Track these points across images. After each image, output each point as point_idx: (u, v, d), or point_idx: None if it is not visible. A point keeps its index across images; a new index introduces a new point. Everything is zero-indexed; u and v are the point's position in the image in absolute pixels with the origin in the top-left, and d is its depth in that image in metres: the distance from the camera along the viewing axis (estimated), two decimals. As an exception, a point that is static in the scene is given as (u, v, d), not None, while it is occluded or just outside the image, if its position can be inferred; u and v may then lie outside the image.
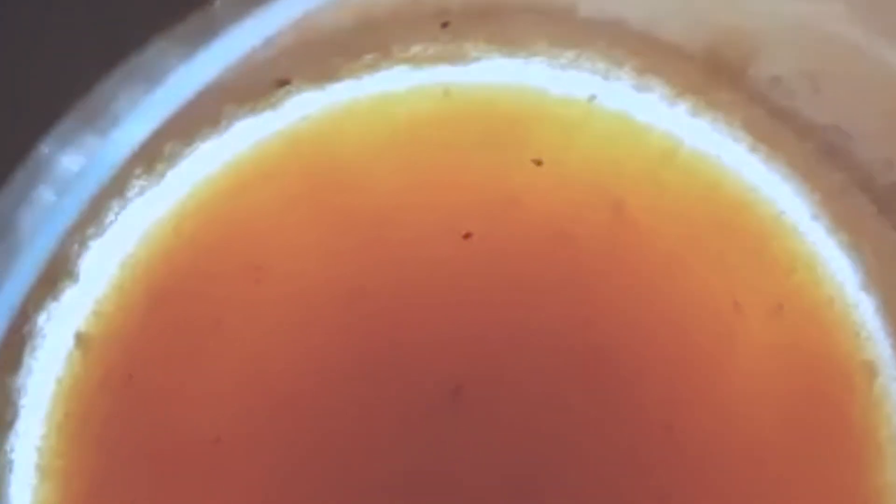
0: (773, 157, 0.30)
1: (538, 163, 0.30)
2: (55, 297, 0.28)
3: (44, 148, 0.23)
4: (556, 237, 0.30)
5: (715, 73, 0.29)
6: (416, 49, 0.30)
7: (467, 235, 0.29)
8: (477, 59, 0.30)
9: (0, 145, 0.23)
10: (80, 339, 0.28)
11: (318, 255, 0.29)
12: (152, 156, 0.28)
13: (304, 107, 0.29)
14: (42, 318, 0.28)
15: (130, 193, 0.28)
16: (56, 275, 0.28)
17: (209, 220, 0.29)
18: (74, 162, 0.22)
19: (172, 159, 0.29)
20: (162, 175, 0.29)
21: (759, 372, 0.29)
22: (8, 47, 0.32)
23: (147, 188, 0.29)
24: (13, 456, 0.28)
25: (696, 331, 0.30)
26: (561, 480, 0.29)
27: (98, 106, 0.23)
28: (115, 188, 0.28)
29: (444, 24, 0.29)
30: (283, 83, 0.29)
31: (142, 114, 0.22)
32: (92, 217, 0.28)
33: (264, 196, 0.29)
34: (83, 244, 0.28)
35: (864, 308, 0.30)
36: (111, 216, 0.28)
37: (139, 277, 0.29)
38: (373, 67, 0.29)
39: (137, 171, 0.28)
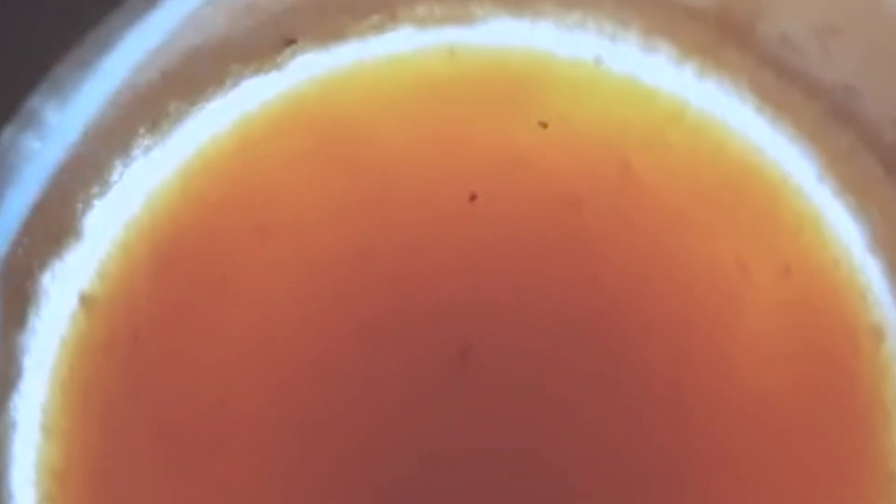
0: (779, 118, 0.30)
1: (544, 124, 0.30)
2: (59, 257, 0.28)
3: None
4: (562, 198, 0.30)
5: (723, 32, 0.29)
6: (422, 10, 0.29)
7: (473, 197, 0.29)
8: (483, 19, 0.30)
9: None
10: (85, 300, 0.28)
11: (324, 215, 0.29)
12: (157, 114, 0.28)
13: (309, 67, 0.29)
14: (47, 278, 0.28)
15: (135, 152, 0.28)
16: (60, 233, 0.28)
17: (215, 179, 0.29)
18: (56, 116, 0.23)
19: (177, 118, 0.28)
20: (167, 134, 0.28)
21: (765, 332, 0.29)
22: None
23: (152, 147, 0.28)
24: (17, 415, 0.28)
25: (702, 291, 0.29)
26: (568, 439, 0.29)
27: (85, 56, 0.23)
28: (118, 146, 0.28)
29: (451, -15, 0.29)
30: (288, 42, 0.29)
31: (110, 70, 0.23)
32: (96, 176, 0.28)
33: (270, 156, 0.29)
34: (87, 203, 0.28)
35: (870, 270, 0.30)
36: (115, 175, 0.28)
37: (144, 237, 0.29)
38: (379, 28, 0.29)
39: (142, 129, 0.28)
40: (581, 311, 0.29)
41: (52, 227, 0.28)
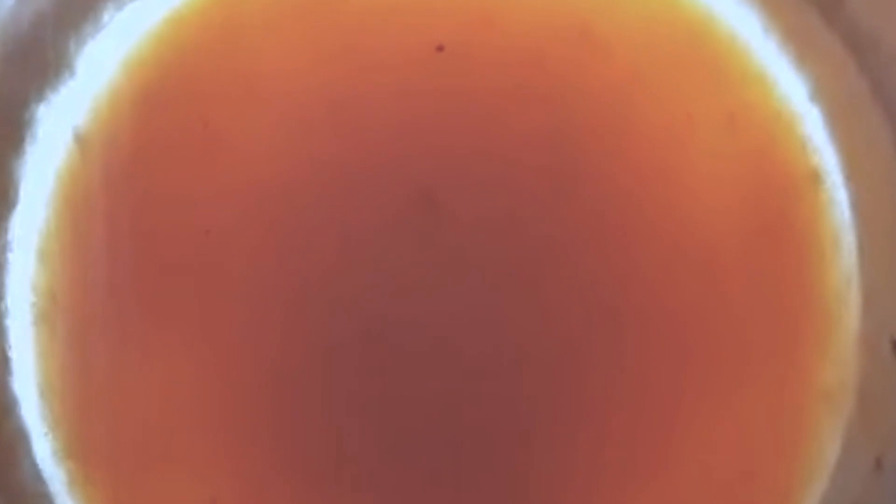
0: (728, -23, 0.32)
1: (509, -13, 0.32)
2: (54, 88, 0.30)
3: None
4: (526, 55, 0.32)
5: None
6: None
7: (440, 48, 0.31)
8: None
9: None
10: (78, 136, 0.31)
11: (300, 62, 0.31)
12: (147, -38, 0.30)
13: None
14: (42, 108, 0.30)
15: (126, -4, 0.31)
16: (54, 67, 0.30)
17: (203, 25, 0.31)
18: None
19: (167, -34, 0.31)
20: (157, -19, 0.31)
21: (710, 180, 0.31)
22: None
23: (142, -7, 0.31)
24: (14, 237, 0.30)
25: (652, 140, 0.31)
26: (524, 283, 0.31)
27: None
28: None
29: None
30: None
31: None
32: (89, 15, 0.30)
33: (252, 7, 0.31)
34: (80, 41, 0.30)
35: (810, 119, 0.31)
36: (107, 16, 0.30)
37: (134, 78, 0.31)
38: None
39: (133, -24, 0.30)
40: (541, 160, 0.31)
41: (46, 61, 0.30)
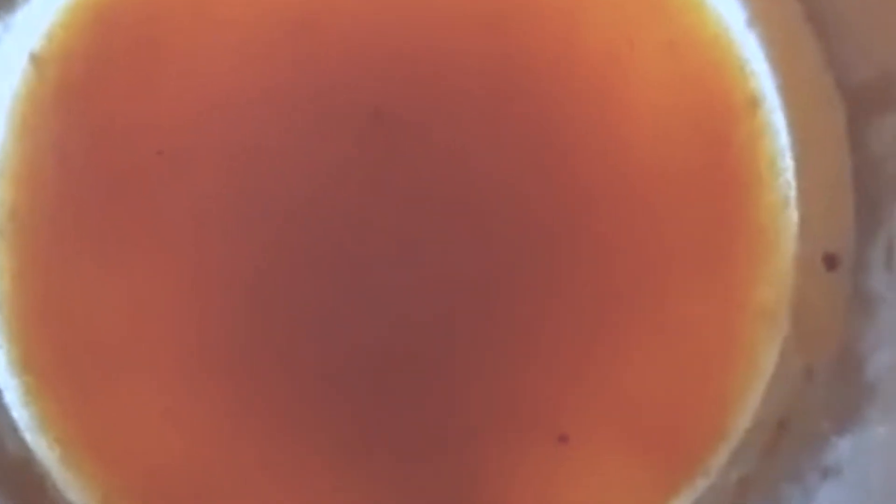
0: None
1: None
2: (11, 12, 0.31)
3: None
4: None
5: None
6: None
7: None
8: None
9: None
10: (35, 58, 0.32)
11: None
12: None
13: None
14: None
15: (80, -78, 0.31)
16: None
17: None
18: None
19: None
20: None
21: (650, 104, 0.32)
22: None
23: (95, -81, 0.32)
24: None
25: (594, 65, 0.32)
26: (465, 200, 0.32)
27: None
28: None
29: None
30: None
31: None
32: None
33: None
34: (35, -35, 0.31)
35: (748, 44, 0.32)
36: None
37: (89, 1, 0.32)
38: None
39: None
40: (486, 82, 0.32)
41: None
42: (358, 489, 0.32)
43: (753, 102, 0.32)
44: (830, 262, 0.31)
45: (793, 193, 0.32)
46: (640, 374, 0.32)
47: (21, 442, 0.31)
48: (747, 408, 0.31)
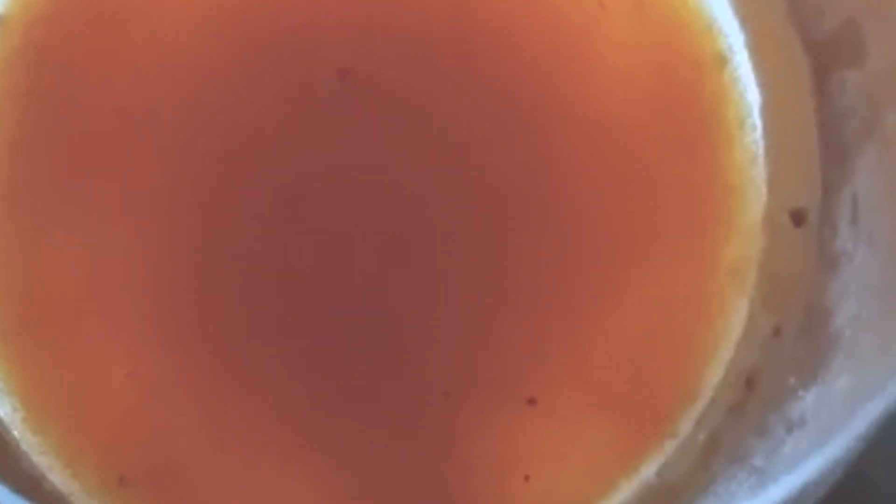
0: None
1: None
2: (-27, -31, 0.31)
3: None
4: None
5: None
6: None
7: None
8: None
9: None
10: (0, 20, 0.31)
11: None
12: None
13: None
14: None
15: None
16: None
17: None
18: None
19: None
20: None
21: (619, 62, 0.32)
22: None
23: None
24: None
25: (564, 24, 0.32)
26: (440, 152, 0.32)
27: None
28: None
29: None
30: None
31: None
32: None
33: None
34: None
35: (717, 2, 0.32)
36: None
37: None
38: None
39: None
40: (456, 41, 0.32)
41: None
42: (329, 451, 0.31)
43: (722, 60, 0.32)
44: (797, 218, 0.31)
45: (761, 150, 0.32)
46: (608, 336, 0.32)
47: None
48: (716, 367, 0.31)
